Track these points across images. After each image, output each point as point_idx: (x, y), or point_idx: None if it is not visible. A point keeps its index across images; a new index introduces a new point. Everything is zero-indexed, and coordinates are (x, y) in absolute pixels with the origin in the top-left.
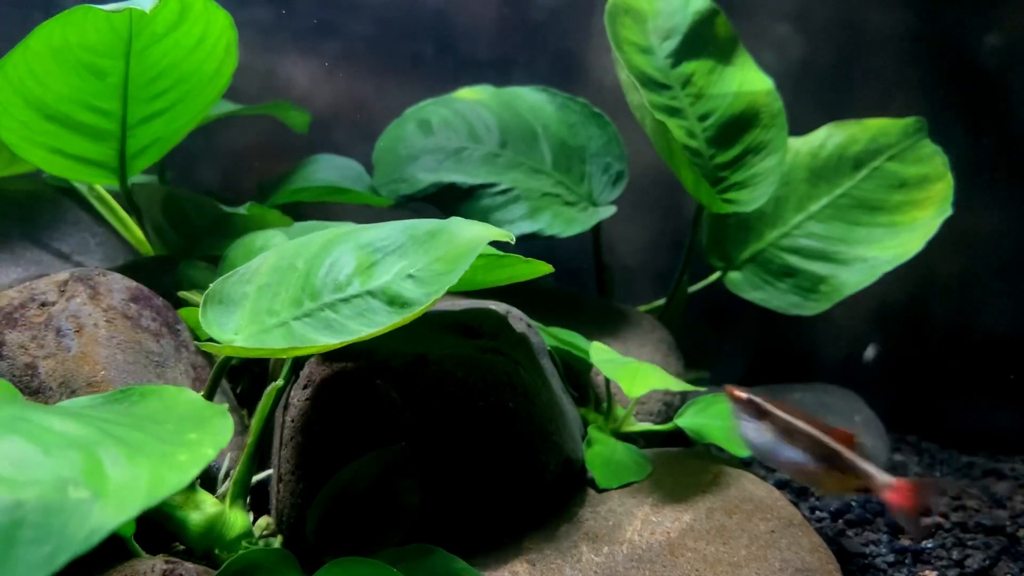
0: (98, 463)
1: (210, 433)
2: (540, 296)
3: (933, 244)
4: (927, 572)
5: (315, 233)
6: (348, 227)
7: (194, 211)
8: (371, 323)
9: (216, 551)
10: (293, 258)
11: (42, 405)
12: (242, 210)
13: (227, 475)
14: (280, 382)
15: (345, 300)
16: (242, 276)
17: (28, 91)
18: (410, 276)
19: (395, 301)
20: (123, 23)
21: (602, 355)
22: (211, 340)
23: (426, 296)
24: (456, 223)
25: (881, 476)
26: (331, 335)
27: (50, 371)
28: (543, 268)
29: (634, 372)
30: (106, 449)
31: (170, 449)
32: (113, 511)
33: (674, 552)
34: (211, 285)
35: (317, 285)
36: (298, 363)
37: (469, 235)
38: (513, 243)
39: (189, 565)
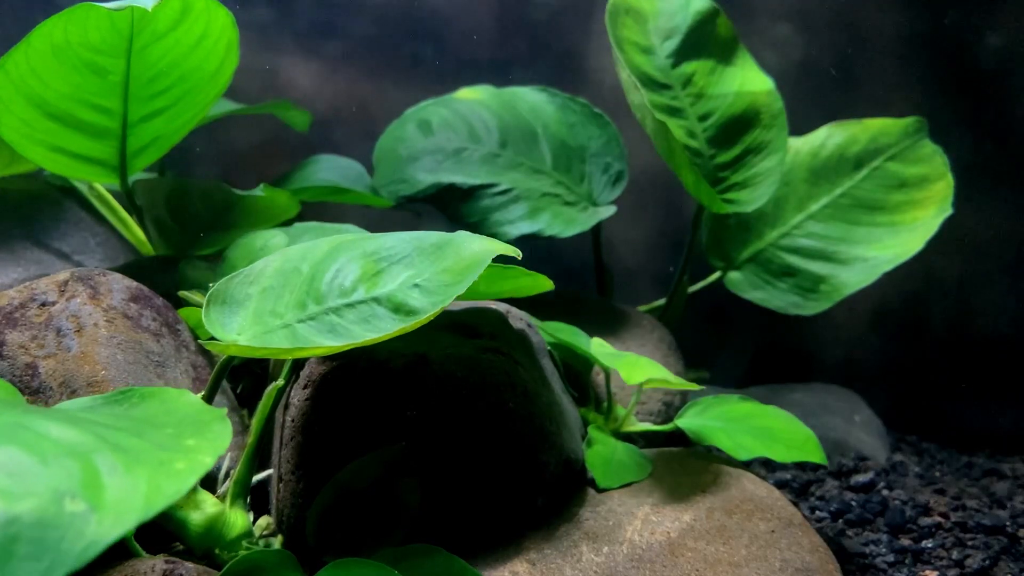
0: (95, 472)
1: (208, 439)
2: (540, 296)
3: (933, 244)
4: (927, 572)
5: (320, 239)
6: (353, 234)
7: (201, 201)
8: (375, 329)
9: (216, 551)
10: (298, 262)
11: (42, 408)
12: (258, 191)
13: (227, 475)
14: (280, 382)
15: (350, 305)
16: (246, 277)
17: (29, 89)
18: (416, 285)
19: (400, 309)
20: (125, 21)
21: (602, 348)
22: (213, 339)
23: (432, 305)
24: (463, 236)
25: None
26: (335, 338)
27: (50, 371)
28: (545, 284)
29: (634, 362)
30: (104, 456)
31: (168, 456)
32: (109, 525)
33: (674, 552)
34: (214, 285)
35: (322, 289)
36: (298, 363)
37: (476, 248)
38: (520, 258)
39: (189, 565)
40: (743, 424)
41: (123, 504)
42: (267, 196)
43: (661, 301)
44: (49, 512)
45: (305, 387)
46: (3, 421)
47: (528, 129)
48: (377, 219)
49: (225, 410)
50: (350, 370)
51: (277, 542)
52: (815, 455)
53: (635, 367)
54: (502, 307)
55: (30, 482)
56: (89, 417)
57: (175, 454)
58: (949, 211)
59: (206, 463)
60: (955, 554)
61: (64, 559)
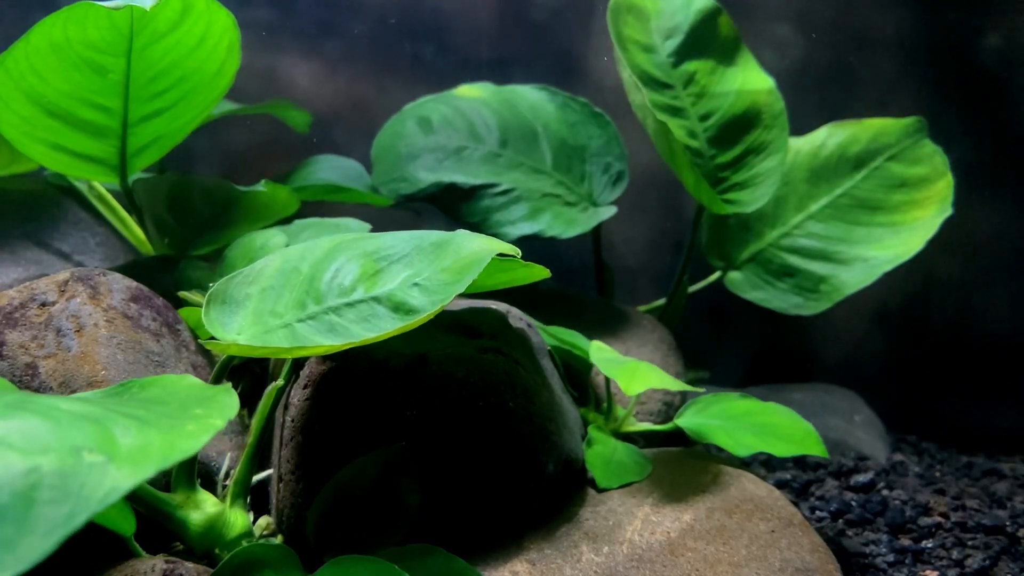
0: (110, 434)
1: (216, 408)
2: (540, 296)
3: (933, 244)
4: (927, 572)
5: (320, 239)
6: (352, 233)
7: (202, 198)
8: (375, 328)
9: (216, 551)
10: (298, 262)
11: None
12: (259, 187)
13: (227, 475)
14: (280, 382)
15: (350, 304)
16: (245, 277)
17: (29, 86)
18: (416, 284)
19: (400, 308)
20: (124, 21)
21: (601, 354)
22: (213, 339)
23: (431, 304)
24: (462, 235)
25: None
26: (334, 338)
27: (50, 371)
28: (541, 272)
29: (633, 370)
30: (116, 423)
31: (178, 423)
32: (128, 473)
33: (674, 552)
34: (214, 285)
35: (322, 289)
36: (298, 363)
37: (476, 247)
38: (519, 256)
39: (189, 565)
40: (742, 421)
41: (140, 455)
42: (268, 192)
43: (661, 301)
44: (68, 463)
45: (305, 387)
46: (11, 398)
47: (529, 128)
48: (376, 218)
49: (229, 384)
50: (350, 370)
51: (277, 542)
52: (816, 448)
53: (634, 376)
54: (502, 307)
55: (47, 440)
56: (95, 399)
57: (184, 421)
58: (949, 211)
59: (217, 424)
60: (955, 554)
61: (86, 503)
